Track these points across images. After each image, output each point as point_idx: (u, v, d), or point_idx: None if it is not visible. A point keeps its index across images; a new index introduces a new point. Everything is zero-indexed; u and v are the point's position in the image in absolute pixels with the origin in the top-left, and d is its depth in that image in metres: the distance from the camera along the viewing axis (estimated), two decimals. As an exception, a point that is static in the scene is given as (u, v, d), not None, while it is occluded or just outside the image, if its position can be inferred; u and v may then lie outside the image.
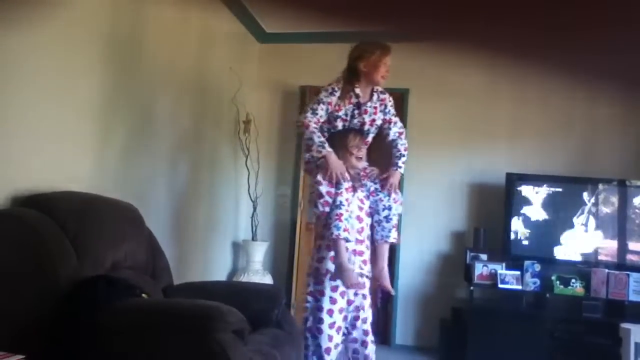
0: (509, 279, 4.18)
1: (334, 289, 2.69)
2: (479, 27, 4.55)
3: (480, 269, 4.25)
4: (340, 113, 2.84)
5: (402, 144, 2.97)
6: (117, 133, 3.09)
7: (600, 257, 4.25)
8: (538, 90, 4.74)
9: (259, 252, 4.67)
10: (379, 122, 2.94)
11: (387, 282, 2.86)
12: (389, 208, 2.83)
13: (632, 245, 4.26)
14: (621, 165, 4.49)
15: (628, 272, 4.05)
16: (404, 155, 2.94)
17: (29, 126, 2.44)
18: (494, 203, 4.52)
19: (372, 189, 2.85)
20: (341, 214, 2.62)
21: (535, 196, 4.38)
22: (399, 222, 4.73)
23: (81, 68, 2.76)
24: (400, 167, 2.91)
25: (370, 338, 2.84)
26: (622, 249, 4.26)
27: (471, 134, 4.81)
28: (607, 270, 4.09)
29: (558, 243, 4.29)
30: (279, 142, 5.15)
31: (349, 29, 4.93)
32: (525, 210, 4.36)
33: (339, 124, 2.87)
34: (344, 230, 2.62)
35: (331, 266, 2.71)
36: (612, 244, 4.29)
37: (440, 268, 4.64)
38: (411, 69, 4.90)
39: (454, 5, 4.22)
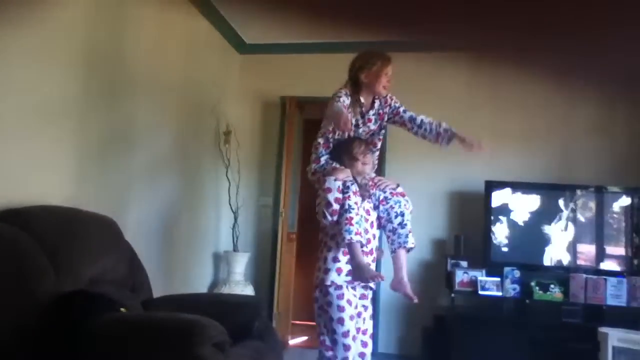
0: (490, 286, 4.22)
1: (340, 297, 2.63)
2: (459, 36, 4.61)
3: (461, 276, 4.29)
4: (352, 120, 2.79)
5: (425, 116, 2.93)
6: (95, 145, 3.07)
7: (579, 263, 4.31)
8: (517, 98, 4.80)
9: (241, 263, 4.66)
10: (384, 122, 2.92)
11: (408, 290, 2.75)
12: (402, 214, 2.76)
13: (610, 250, 4.33)
14: (598, 171, 4.55)
15: (605, 277, 4.11)
16: (434, 121, 2.90)
17: (3, 138, 2.42)
18: (474, 210, 4.56)
19: (381, 197, 2.77)
20: (351, 218, 2.56)
21: (514, 203, 4.43)
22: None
23: (58, 79, 2.75)
24: (448, 127, 2.88)
25: (368, 350, 2.77)
26: (600, 254, 4.32)
27: (451, 143, 4.84)
28: (585, 276, 4.14)
29: (537, 249, 4.34)
30: (259, 152, 5.16)
31: (329, 39, 4.99)
32: (505, 217, 4.41)
33: (346, 132, 2.81)
34: (356, 233, 2.56)
35: (337, 278, 2.65)
36: (591, 249, 4.35)
37: (422, 276, 4.67)
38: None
39: (433, 14, 4.26)
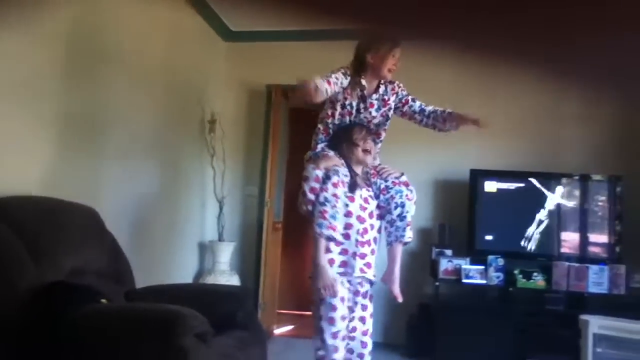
0: (474, 274, 4.25)
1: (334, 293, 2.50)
2: (447, 25, 4.60)
3: (446, 265, 4.31)
4: (347, 102, 2.70)
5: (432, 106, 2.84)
6: (75, 133, 3.03)
7: (562, 250, 4.35)
8: (503, 87, 4.81)
9: (226, 253, 4.64)
10: (390, 112, 2.80)
11: (395, 287, 2.67)
12: (402, 205, 2.63)
13: (593, 238, 4.37)
14: (583, 160, 4.58)
15: (588, 265, 4.15)
16: (438, 108, 2.83)
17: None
18: (459, 199, 4.58)
19: (382, 186, 2.67)
20: (325, 211, 2.47)
21: (499, 192, 4.45)
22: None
23: (36, 64, 2.70)
24: (451, 111, 2.83)
25: (367, 350, 2.66)
26: (583, 242, 4.36)
27: (437, 132, 4.84)
28: (567, 264, 4.18)
29: (521, 237, 4.37)
30: (245, 141, 5.13)
31: (315, 27, 4.95)
32: (489, 205, 4.43)
33: (346, 117, 2.72)
34: (329, 227, 2.47)
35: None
36: (575, 237, 4.39)
37: (407, 264, 4.66)
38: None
39: (422, 4, 4.24)
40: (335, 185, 2.51)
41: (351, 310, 2.62)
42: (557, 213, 4.38)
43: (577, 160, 4.59)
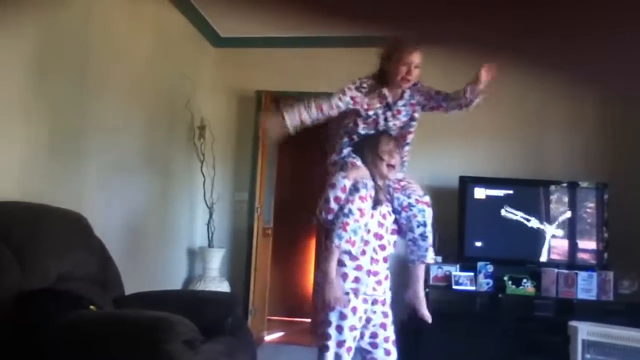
0: (463, 281, 4.25)
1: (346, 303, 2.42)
2: (432, 32, 4.62)
3: (435, 271, 4.31)
4: (370, 113, 2.60)
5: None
6: (62, 139, 3.01)
7: (552, 257, 4.36)
8: (491, 95, 4.82)
9: (216, 259, 4.62)
10: (417, 113, 2.70)
11: (422, 308, 2.63)
12: (424, 224, 2.57)
13: (582, 244, 4.39)
14: (571, 167, 4.61)
15: (577, 272, 4.17)
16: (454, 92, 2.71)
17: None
18: (448, 206, 4.57)
19: (404, 203, 2.57)
20: (347, 224, 2.37)
21: (488, 198, 4.47)
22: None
23: (24, 74, 2.68)
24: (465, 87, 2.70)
25: (392, 359, 2.59)
26: (573, 249, 4.38)
27: (425, 138, 4.84)
28: (556, 270, 4.20)
29: (510, 244, 4.38)
30: (235, 147, 5.11)
31: (305, 34, 4.96)
32: (478, 212, 4.44)
33: (371, 126, 2.63)
34: (347, 241, 2.37)
35: (341, 284, 2.44)
36: (563, 244, 4.41)
37: (397, 270, 4.65)
38: (366, 74, 4.94)
39: (408, 10, 4.27)
40: (362, 199, 2.43)
41: (368, 320, 2.54)
42: (546, 220, 4.40)
43: (564, 167, 4.62)
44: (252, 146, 5.04)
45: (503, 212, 4.41)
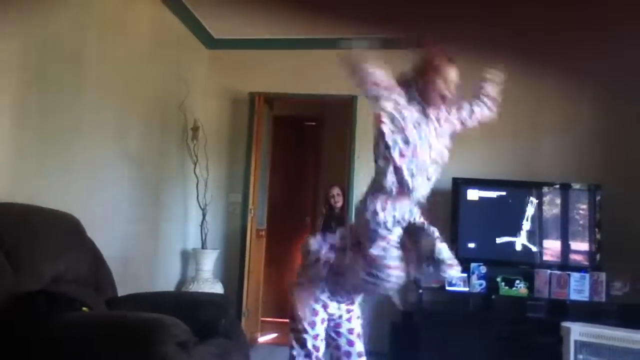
0: (457, 282, 4.26)
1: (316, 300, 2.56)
2: (426, 32, 4.63)
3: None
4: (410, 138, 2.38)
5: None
6: (55, 140, 2.99)
7: (544, 258, 4.38)
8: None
9: (209, 261, 4.61)
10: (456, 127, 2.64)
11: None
12: None
13: (575, 246, 4.41)
14: (564, 169, 4.63)
15: (569, 272, 4.19)
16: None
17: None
18: (441, 207, 4.59)
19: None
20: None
21: (481, 200, 4.48)
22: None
23: (18, 76, 2.67)
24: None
25: (356, 350, 2.67)
26: (565, 250, 4.40)
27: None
28: (549, 271, 4.22)
29: (503, 245, 4.40)
30: (228, 148, 5.11)
31: (299, 35, 4.97)
32: (471, 213, 4.46)
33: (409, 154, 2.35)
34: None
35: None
36: (556, 245, 4.43)
37: (390, 272, 4.68)
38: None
39: (399, 8, 4.27)
40: None
41: (339, 317, 2.66)
42: (539, 221, 4.42)
43: (557, 169, 4.64)
44: (245, 148, 5.04)
45: (495, 214, 4.43)
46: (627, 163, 4.56)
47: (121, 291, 2.96)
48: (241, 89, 5.14)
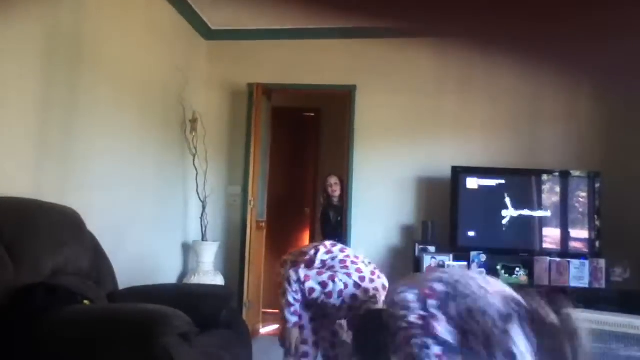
0: (457, 271, 4.27)
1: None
2: (427, 24, 4.63)
3: (429, 261, 4.33)
4: None
5: None
6: (55, 134, 2.99)
7: (544, 246, 4.40)
8: (484, 87, 4.84)
9: (210, 253, 4.62)
10: None
11: None
12: None
13: (574, 233, 4.42)
14: (563, 157, 4.63)
15: (569, 260, 4.20)
16: None
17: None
18: (441, 196, 4.61)
19: None
20: None
21: (480, 188, 4.49)
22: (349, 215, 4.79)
23: (15, 68, 2.66)
24: None
25: None
26: (565, 237, 4.41)
27: (419, 130, 4.89)
28: (549, 259, 4.23)
29: (503, 233, 4.41)
30: (228, 140, 5.10)
31: (296, 25, 4.95)
32: (471, 202, 4.46)
33: None
34: None
35: None
36: (556, 233, 4.44)
37: (391, 261, 4.70)
38: (358, 66, 4.97)
39: (400, 1, 4.26)
40: None
41: None
42: (539, 209, 4.43)
43: (556, 156, 4.65)
44: (245, 139, 5.03)
45: (495, 202, 4.44)
46: (627, 150, 4.56)
47: (122, 285, 2.96)
48: (240, 80, 5.13)
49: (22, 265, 2.25)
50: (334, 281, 2.57)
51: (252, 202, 4.81)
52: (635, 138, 4.55)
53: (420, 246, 4.46)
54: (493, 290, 2.01)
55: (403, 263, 4.64)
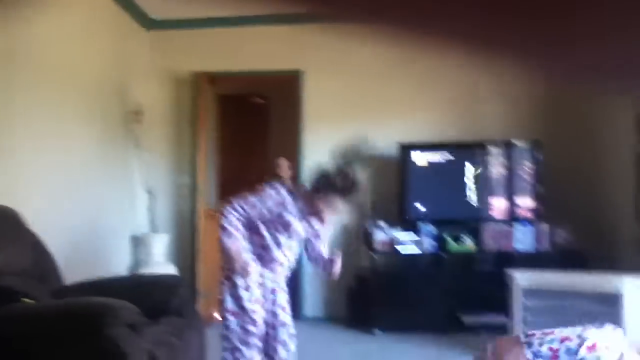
0: (408, 243, 4.37)
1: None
2: (372, 7, 4.64)
3: (380, 236, 4.41)
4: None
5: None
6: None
7: (491, 214, 4.53)
8: (426, 62, 4.90)
9: (160, 244, 4.57)
10: None
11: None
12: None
13: (519, 201, 4.56)
14: (506, 129, 4.75)
15: (514, 225, 4.35)
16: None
17: None
18: (390, 172, 4.68)
19: None
20: None
21: (427, 163, 4.58)
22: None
23: None
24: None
25: (279, 320, 2.67)
26: (510, 205, 4.56)
27: (366, 111, 4.94)
28: (495, 225, 4.37)
29: (451, 204, 4.52)
30: (174, 130, 5.04)
31: (238, 13, 4.90)
32: (419, 176, 4.55)
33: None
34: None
35: None
36: (501, 201, 4.57)
37: (343, 238, 4.77)
38: (305, 50, 4.96)
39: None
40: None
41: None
42: (484, 179, 4.55)
43: (499, 129, 4.76)
44: (190, 128, 4.98)
45: (442, 175, 4.54)
46: (566, 119, 4.71)
47: (71, 280, 2.91)
48: (183, 69, 5.06)
49: (-43, 267, 2.18)
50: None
51: (201, 191, 4.77)
52: (573, 108, 4.70)
53: (371, 221, 4.54)
54: None
55: (356, 239, 4.71)
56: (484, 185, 4.55)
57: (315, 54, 4.98)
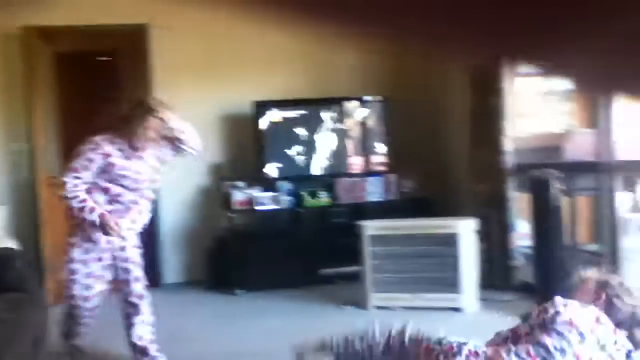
0: (265, 201, 4.40)
1: None
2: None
3: (238, 196, 4.39)
4: None
5: None
6: None
7: (344, 169, 4.69)
8: (279, 23, 4.86)
9: (-3, 218, 4.17)
10: None
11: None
12: None
13: (369, 154, 4.76)
14: (358, 85, 4.89)
15: (365, 177, 4.56)
16: None
17: None
18: (246, 131, 4.64)
19: None
20: None
21: (283, 120, 4.60)
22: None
23: None
24: None
25: (132, 275, 2.77)
26: (362, 158, 4.74)
27: (219, 69, 4.81)
28: (348, 179, 4.55)
29: (306, 161, 4.61)
30: (3, 94, 4.54)
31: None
32: (275, 134, 4.57)
33: None
34: None
35: None
36: (354, 155, 4.74)
37: (201, 201, 4.69)
38: (151, 3, 4.65)
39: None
40: None
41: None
42: (337, 134, 4.68)
43: (351, 86, 4.88)
44: (22, 91, 4.50)
45: (297, 132, 4.60)
46: (412, 77, 4.94)
47: None
48: (9, 23, 4.52)
49: None
50: None
51: (40, 159, 4.38)
52: (418, 67, 4.92)
53: (228, 182, 4.50)
54: None
55: (212, 200, 4.66)
56: (338, 140, 4.68)
57: (162, 8, 4.71)
